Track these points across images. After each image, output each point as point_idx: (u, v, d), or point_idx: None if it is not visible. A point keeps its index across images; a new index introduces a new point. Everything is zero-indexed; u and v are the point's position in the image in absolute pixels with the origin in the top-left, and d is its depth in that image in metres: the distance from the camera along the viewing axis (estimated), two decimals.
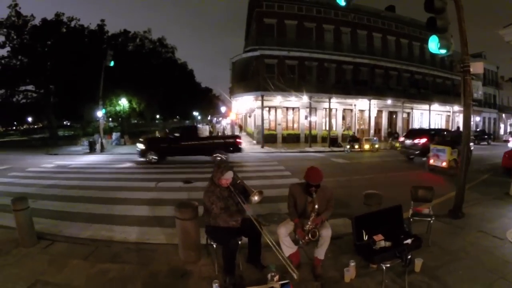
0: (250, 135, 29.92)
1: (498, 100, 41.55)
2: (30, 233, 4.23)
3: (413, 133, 14.60)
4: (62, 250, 4.09)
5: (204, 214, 3.45)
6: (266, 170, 11.17)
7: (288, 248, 3.42)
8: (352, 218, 3.41)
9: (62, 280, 3.32)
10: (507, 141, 29.91)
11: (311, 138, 22.61)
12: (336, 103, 25.70)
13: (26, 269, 3.53)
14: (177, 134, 13.42)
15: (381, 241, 3.25)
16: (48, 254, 3.97)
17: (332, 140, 22.13)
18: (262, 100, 21.51)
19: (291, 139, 25.05)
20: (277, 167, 11.92)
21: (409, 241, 3.29)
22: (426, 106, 29.02)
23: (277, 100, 23.73)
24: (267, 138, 22.57)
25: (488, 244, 4.12)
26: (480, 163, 13.18)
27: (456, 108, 30.90)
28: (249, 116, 31.08)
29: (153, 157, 12.56)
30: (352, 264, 3.32)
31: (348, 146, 19.13)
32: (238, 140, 13.26)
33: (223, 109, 26.53)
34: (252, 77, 25.53)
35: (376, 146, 19.61)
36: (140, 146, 12.91)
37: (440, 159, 10.41)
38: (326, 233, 3.36)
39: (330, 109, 24.10)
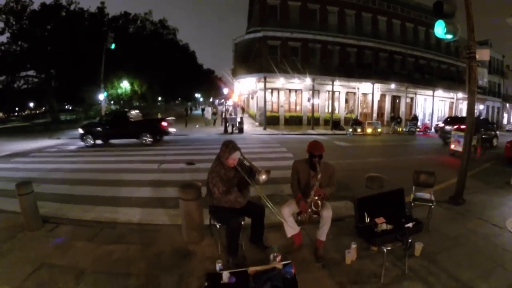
0: (252, 117, 29.83)
1: (503, 89, 41.02)
2: (35, 217, 4.26)
3: (452, 120, 15.41)
4: (67, 233, 4.13)
5: (207, 195, 3.44)
6: (268, 152, 11.20)
7: (291, 228, 3.44)
8: (354, 200, 3.42)
9: (68, 262, 3.36)
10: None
11: (314, 121, 22.56)
12: (339, 86, 25.46)
13: (32, 253, 3.56)
14: (108, 119, 14.40)
15: (382, 224, 3.28)
16: (53, 237, 4.01)
17: (334, 123, 22.08)
18: (265, 82, 21.32)
19: (294, 121, 24.98)
20: (279, 149, 11.95)
21: (410, 225, 3.31)
22: (430, 92, 28.64)
23: (280, 82, 23.48)
24: (269, 120, 22.52)
25: (488, 232, 4.12)
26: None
27: (460, 95, 30.51)
28: (252, 98, 30.87)
29: (90, 140, 13.48)
30: (354, 246, 3.33)
31: (350, 130, 19.11)
32: (163, 123, 13.84)
33: (225, 90, 26.33)
34: (254, 59, 25.20)
35: (379, 130, 19.56)
36: (80, 130, 13.92)
37: (461, 144, 10.52)
38: (327, 214, 3.37)
39: (333, 92, 23.92)
